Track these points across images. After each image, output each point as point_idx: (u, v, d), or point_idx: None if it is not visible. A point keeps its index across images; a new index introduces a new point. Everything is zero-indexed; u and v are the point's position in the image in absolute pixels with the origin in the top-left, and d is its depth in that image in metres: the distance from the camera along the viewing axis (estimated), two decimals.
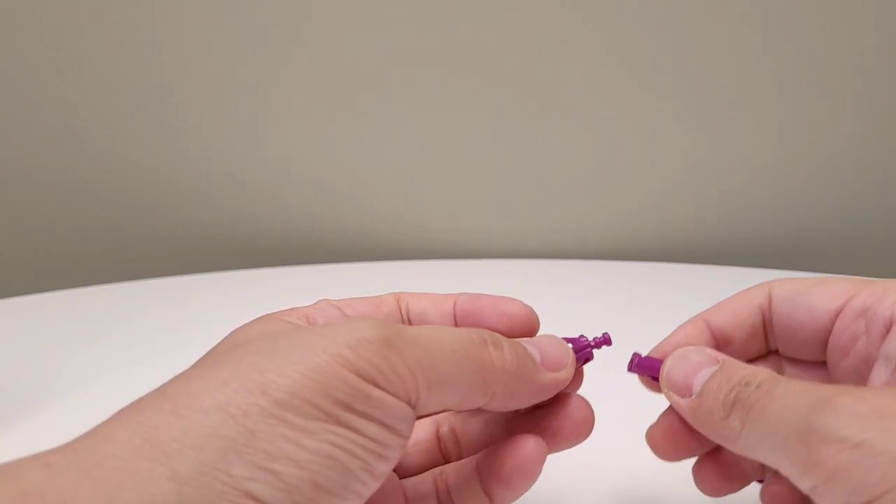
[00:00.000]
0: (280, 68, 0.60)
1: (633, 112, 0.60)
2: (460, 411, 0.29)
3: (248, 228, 0.68)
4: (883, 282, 0.26)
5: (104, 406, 0.20)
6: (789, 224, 0.65)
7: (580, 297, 0.56)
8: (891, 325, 0.24)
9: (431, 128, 0.62)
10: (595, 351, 0.27)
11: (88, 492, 0.17)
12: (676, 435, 0.27)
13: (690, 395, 0.25)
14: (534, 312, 0.27)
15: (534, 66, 0.58)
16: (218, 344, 0.24)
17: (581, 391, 0.27)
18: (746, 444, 0.22)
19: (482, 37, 0.57)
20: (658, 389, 0.27)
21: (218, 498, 0.18)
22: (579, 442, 0.27)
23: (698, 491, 0.28)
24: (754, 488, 0.27)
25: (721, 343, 0.28)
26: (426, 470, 0.28)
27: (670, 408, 0.27)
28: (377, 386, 0.20)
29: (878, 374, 0.25)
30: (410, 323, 0.27)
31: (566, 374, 0.26)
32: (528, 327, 0.27)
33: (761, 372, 0.23)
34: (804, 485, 0.20)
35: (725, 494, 0.28)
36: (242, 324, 0.24)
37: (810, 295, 0.27)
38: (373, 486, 0.21)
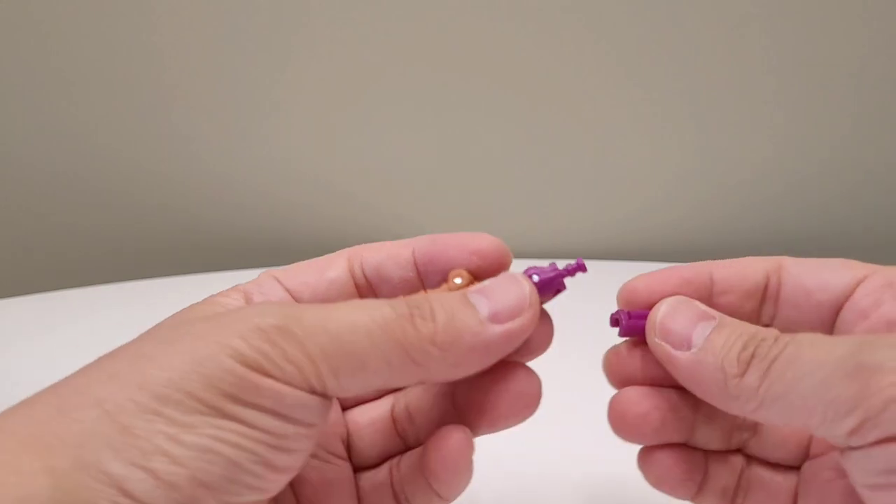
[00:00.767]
0: (280, 68, 0.60)
1: (633, 112, 0.60)
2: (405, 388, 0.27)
3: (248, 228, 0.68)
4: None
5: None
6: (788, 224, 0.65)
7: (580, 297, 0.56)
8: None
9: (432, 129, 0.62)
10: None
11: None
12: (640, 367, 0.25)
13: (689, 349, 0.23)
14: (503, 245, 0.25)
15: (534, 66, 0.58)
16: (150, 328, 0.23)
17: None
18: (763, 400, 0.21)
19: (482, 38, 0.57)
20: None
21: (94, 496, 0.18)
22: (519, 421, 0.25)
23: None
24: None
25: (715, 299, 0.26)
26: (386, 454, 0.27)
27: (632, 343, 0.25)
28: (268, 375, 0.20)
29: None
30: (366, 280, 0.26)
31: (522, 322, 0.23)
32: (500, 263, 0.25)
33: (770, 329, 0.23)
34: (847, 424, 0.19)
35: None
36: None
37: (829, 263, 0.26)
38: (278, 479, 0.20)
